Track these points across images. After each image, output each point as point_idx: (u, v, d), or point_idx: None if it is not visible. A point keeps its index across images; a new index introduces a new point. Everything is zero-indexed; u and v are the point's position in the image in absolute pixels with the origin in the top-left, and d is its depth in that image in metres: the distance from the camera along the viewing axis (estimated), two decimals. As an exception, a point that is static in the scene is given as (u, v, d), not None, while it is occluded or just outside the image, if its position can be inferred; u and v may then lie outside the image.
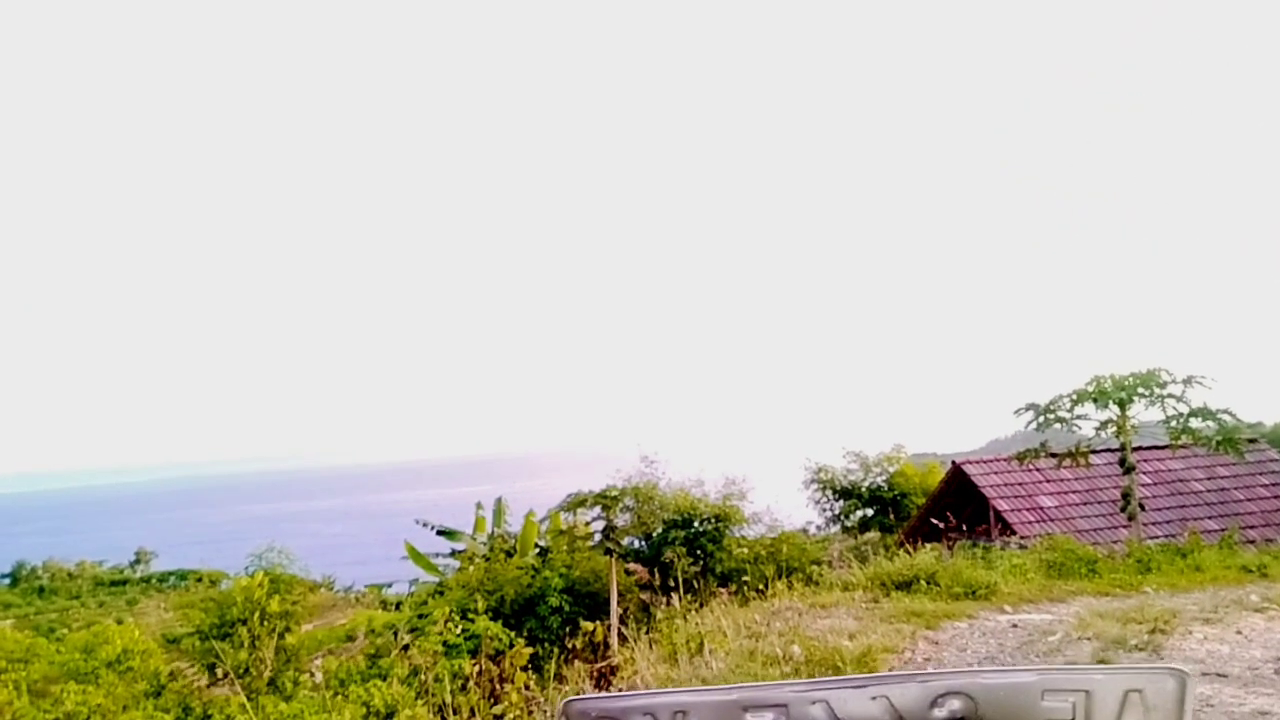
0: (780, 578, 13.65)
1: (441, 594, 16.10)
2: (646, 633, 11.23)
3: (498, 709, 7.98)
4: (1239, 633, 8.44)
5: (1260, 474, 21.95)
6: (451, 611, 12.41)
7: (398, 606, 19.42)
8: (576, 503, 17.67)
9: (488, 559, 17.87)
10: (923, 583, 11.41)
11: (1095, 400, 16.14)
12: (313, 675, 11.88)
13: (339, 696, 9.27)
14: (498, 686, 9.15)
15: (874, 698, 1.56)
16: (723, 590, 15.40)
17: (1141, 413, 16.23)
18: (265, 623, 11.52)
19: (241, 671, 11.20)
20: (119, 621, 17.86)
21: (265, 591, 11.87)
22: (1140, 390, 15.84)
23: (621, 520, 17.69)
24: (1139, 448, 18.62)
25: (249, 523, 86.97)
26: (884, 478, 29.60)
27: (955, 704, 1.53)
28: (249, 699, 9.77)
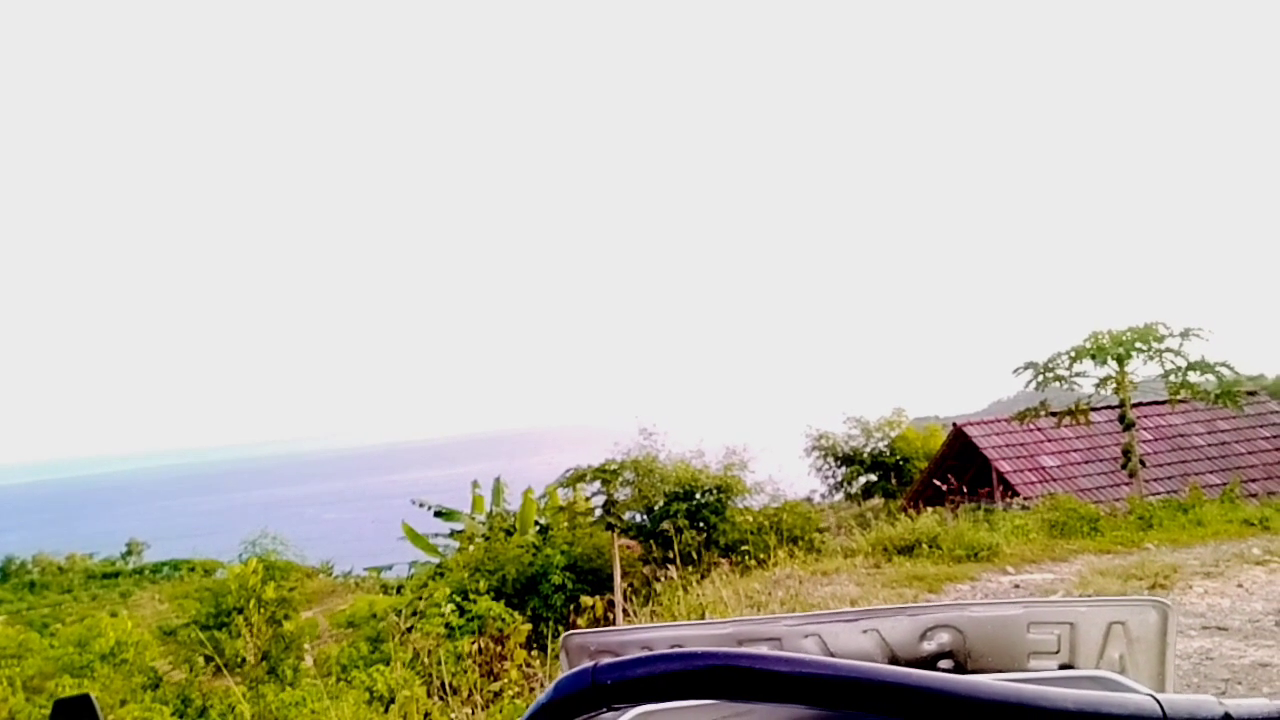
0: (782, 546, 13.59)
1: (442, 575, 16.05)
2: (647, 605, 11.15)
3: (495, 686, 7.90)
4: (1240, 586, 8.44)
5: (1261, 426, 21.90)
6: (453, 593, 12.33)
7: (399, 590, 19.37)
8: (575, 478, 17.56)
9: (487, 538, 17.79)
10: (925, 546, 11.39)
11: (1093, 357, 16.09)
12: (303, 660, 11.80)
13: (341, 682, 9.20)
14: (496, 664, 9.07)
15: (865, 631, 1.62)
16: (724, 561, 15.33)
17: (1140, 368, 16.20)
18: (262, 610, 11.41)
19: (240, 661, 11.11)
20: (113, 614, 17.79)
21: (260, 579, 11.77)
22: (1138, 345, 15.77)
23: (622, 494, 17.59)
24: (1138, 404, 18.58)
25: (241, 510, 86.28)
26: (885, 442, 29.59)
27: (944, 637, 1.60)
28: (250, 688, 9.69)
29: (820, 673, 0.72)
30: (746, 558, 14.48)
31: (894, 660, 1.59)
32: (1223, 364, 15.35)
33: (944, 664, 1.59)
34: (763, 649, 1.57)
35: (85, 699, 0.99)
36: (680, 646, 1.59)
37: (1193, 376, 15.46)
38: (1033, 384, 16.85)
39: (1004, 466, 21.26)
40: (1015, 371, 17.06)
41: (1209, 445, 21.61)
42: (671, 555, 15.02)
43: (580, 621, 13.62)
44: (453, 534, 19.84)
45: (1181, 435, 21.87)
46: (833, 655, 1.57)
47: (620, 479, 17.46)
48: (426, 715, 7.13)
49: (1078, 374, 16.50)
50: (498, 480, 21.06)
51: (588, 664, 0.76)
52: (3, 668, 11.10)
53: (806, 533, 16.13)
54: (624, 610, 13.46)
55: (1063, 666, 1.53)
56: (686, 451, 18.91)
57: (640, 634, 1.68)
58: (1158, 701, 0.70)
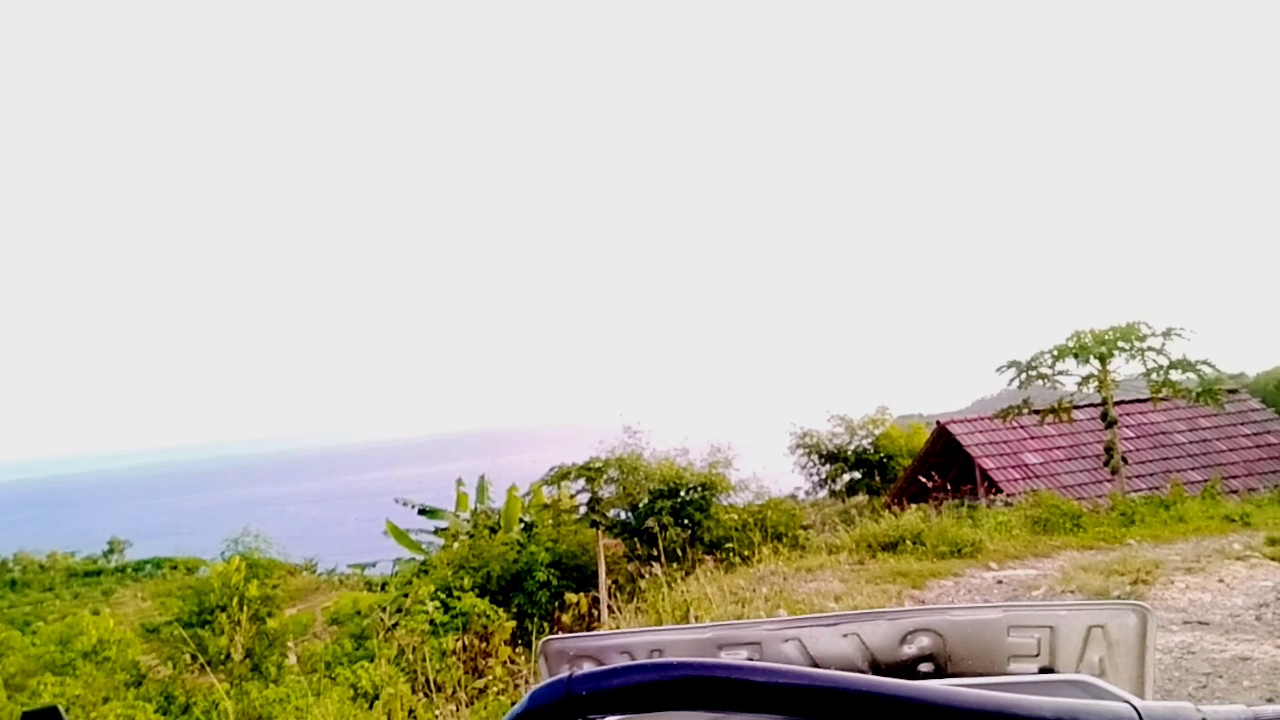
0: (767, 543, 13.61)
1: (426, 573, 15.98)
2: (632, 601, 11.15)
3: (480, 682, 7.89)
4: (1221, 581, 8.51)
5: (1242, 424, 22.09)
6: (437, 590, 12.29)
7: (383, 587, 19.27)
8: (559, 476, 17.54)
9: (471, 536, 17.74)
10: (909, 543, 11.44)
11: (1076, 355, 16.20)
12: (286, 657, 11.73)
13: (326, 679, 9.16)
14: (481, 661, 9.06)
15: (845, 635, 1.60)
16: (709, 557, 15.35)
17: (1122, 367, 16.32)
18: (245, 608, 11.34)
19: (223, 658, 11.03)
20: (95, 613, 17.62)
21: (243, 576, 11.69)
22: (1120, 344, 15.88)
23: (606, 492, 17.56)
24: (1120, 401, 18.71)
25: (223, 508, 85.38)
26: (869, 440, 29.65)
27: (924, 640, 1.58)
28: (233, 685, 9.62)
29: (796, 683, 0.73)
30: (731, 554, 14.51)
31: (875, 664, 1.59)
32: (1204, 362, 15.48)
33: (924, 667, 1.58)
34: (742, 654, 1.60)
35: (53, 711, 0.97)
36: (660, 651, 1.62)
37: (1174, 375, 15.58)
38: (1015, 382, 16.95)
39: (987, 464, 21.36)
40: (998, 370, 17.17)
41: (1191, 443, 21.78)
42: (656, 552, 15.03)
43: (565, 618, 13.62)
44: (437, 531, 19.78)
45: (1163, 433, 22.04)
46: (813, 659, 1.59)
47: (604, 477, 17.44)
48: (411, 712, 7.11)
49: (1060, 372, 16.61)
50: (482, 478, 20.99)
51: (564, 672, 0.76)
52: (-16, 665, 11.04)
53: (791, 529, 16.15)
54: (609, 607, 13.47)
55: (1043, 670, 1.53)
56: (671, 449, 18.87)
57: (619, 639, 1.65)
58: (1135, 708, 0.70)
